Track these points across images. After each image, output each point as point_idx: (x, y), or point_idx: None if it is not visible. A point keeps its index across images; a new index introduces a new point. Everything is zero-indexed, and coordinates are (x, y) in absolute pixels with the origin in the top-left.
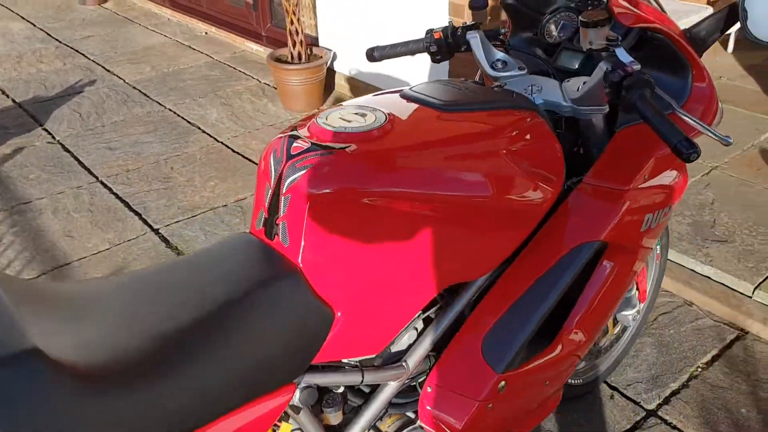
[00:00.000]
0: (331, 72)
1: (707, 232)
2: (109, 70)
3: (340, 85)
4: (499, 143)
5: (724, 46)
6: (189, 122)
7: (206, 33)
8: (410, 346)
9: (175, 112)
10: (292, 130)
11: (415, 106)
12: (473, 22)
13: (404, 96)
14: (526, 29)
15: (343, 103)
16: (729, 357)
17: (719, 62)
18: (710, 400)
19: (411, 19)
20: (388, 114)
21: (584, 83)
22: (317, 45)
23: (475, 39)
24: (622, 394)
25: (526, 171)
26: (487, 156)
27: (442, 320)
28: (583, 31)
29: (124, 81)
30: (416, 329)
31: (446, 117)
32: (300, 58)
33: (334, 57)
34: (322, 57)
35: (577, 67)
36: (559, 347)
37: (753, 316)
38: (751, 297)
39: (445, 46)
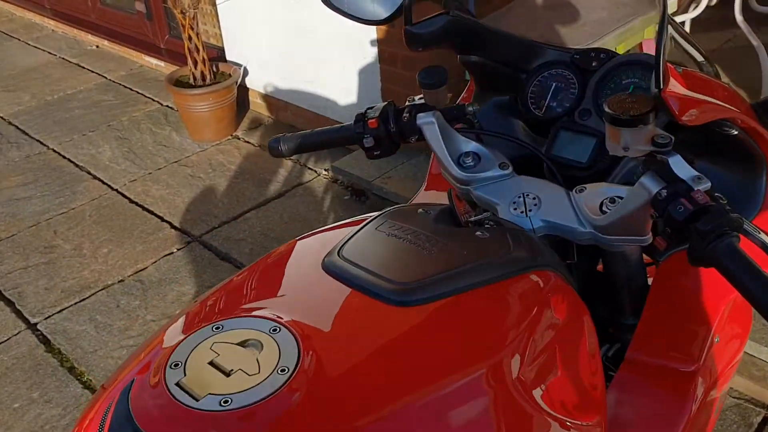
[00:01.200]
0: (243, 89)
1: None
2: None
3: (256, 104)
4: (499, 366)
5: None
6: (77, 165)
7: (97, 47)
8: None
9: (60, 154)
10: (126, 389)
11: (347, 293)
12: (422, 100)
13: (329, 270)
14: (499, 95)
15: (224, 320)
16: None
17: None
18: None
19: (331, 21)
20: (300, 337)
21: (612, 201)
22: (224, 60)
23: (430, 126)
24: None
25: (549, 406)
26: (480, 395)
27: None
28: (612, 131)
29: None
30: None
31: (402, 320)
32: (204, 78)
33: (246, 72)
34: (231, 75)
35: (586, 160)
36: None
37: None
38: None
39: (385, 137)
